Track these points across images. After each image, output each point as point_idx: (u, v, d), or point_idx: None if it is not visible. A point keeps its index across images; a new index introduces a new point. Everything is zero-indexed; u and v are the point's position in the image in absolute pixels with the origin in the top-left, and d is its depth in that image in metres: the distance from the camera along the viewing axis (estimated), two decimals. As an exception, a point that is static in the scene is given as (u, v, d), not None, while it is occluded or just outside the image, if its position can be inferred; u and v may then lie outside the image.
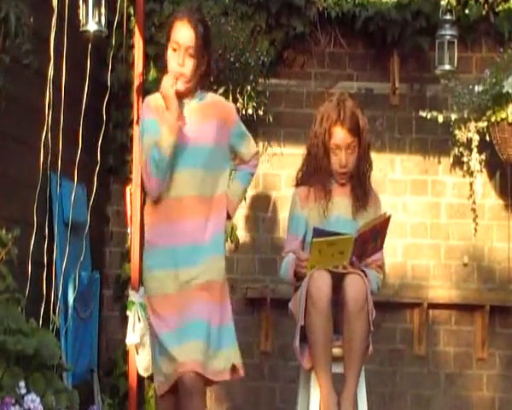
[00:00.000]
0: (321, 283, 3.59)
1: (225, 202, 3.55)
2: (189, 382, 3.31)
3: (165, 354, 3.39)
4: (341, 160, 3.83)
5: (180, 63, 3.44)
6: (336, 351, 3.68)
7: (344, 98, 3.85)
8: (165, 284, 3.42)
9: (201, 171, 3.46)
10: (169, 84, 3.39)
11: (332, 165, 3.86)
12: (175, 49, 3.46)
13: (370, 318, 3.61)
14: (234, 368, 3.43)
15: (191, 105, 3.51)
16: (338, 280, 3.63)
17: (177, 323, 3.38)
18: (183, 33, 3.46)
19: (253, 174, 3.74)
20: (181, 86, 3.46)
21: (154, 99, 3.52)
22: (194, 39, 3.46)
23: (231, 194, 3.60)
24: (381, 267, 3.94)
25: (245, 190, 3.77)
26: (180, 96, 3.46)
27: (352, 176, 3.90)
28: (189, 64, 3.46)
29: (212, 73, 3.76)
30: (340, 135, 3.81)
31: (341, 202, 3.88)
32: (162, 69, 3.63)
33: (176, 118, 3.38)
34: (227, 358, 3.42)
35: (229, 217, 3.63)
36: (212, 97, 3.63)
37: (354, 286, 3.60)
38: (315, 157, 3.87)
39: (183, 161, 3.43)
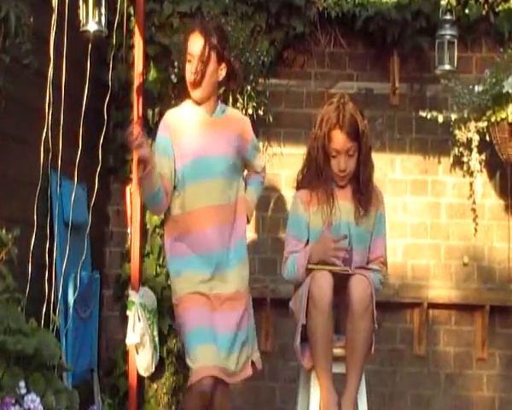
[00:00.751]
0: (322, 282, 3.59)
1: (245, 206, 3.78)
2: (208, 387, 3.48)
3: (205, 346, 3.51)
4: (340, 164, 3.81)
5: (193, 71, 3.55)
6: (337, 351, 3.68)
7: (344, 101, 3.83)
8: (198, 286, 3.59)
9: (223, 180, 3.65)
10: (131, 139, 3.46)
11: (332, 168, 3.85)
12: (190, 61, 3.63)
13: (374, 317, 3.61)
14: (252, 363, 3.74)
15: (214, 118, 3.68)
16: (340, 281, 3.63)
17: (209, 321, 3.56)
18: (195, 43, 3.65)
19: (263, 183, 4.02)
20: (196, 95, 3.63)
21: (170, 116, 3.71)
22: (205, 48, 3.58)
23: (248, 199, 3.83)
24: (383, 263, 3.93)
25: (258, 197, 3.99)
26: (202, 105, 3.68)
27: (353, 179, 3.88)
28: (203, 72, 3.61)
29: (239, 75, 3.89)
30: (338, 139, 3.79)
31: (343, 206, 3.87)
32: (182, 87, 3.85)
33: (140, 175, 3.53)
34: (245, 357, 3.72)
35: (247, 221, 3.84)
36: (231, 112, 3.86)
37: (359, 287, 3.60)
38: (315, 160, 3.86)
39: (208, 172, 3.62)
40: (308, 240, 3.87)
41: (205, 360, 3.47)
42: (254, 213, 5.24)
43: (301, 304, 3.66)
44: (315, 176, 3.87)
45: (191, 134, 3.65)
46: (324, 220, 3.83)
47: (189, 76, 3.64)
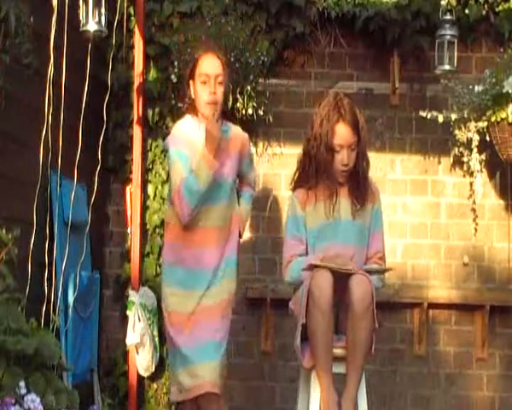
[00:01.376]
0: (322, 282, 3.59)
1: (238, 223, 3.90)
2: (208, 403, 3.64)
3: (186, 368, 3.61)
4: (344, 158, 3.82)
5: (212, 91, 3.61)
6: (338, 351, 3.68)
7: (340, 97, 3.86)
8: (184, 302, 3.71)
9: (225, 204, 3.78)
10: (215, 128, 3.65)
11: (334, 165, 3.85)
12: (204, 82, 3.70)
13: (375, 316, 3.61)
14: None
15: (224, 140, 3.77)
16: (340, 280, 3.63)
17: (195, 340, 3.67)
18: (212, 64, 3.74)
19: (253, 195, 4.19)
20: (217, 116, 3.72)
21: (183, 129, 3.76)
22: (221, 67, 3.74)
23: (243, 214, 3.98)
24: (381, 259, 3.92)
25: (250, 210, 4.15)
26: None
27: (350, 176, 3.89)
28: (220, 91, 3.75)
29: (227, 100, 4.03)
30: (343, 133, 3.80)
31: (342, 202, 3.88)
32: (187, 107, 3.90)
33: (213, 157, 3.63)
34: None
35: (239, 236, 3.97)
36: (233, 131, 3.93)
37: (360, 287, 3.59)
38: (315, 158, 3.86)
39: (211, 196, 3.71)
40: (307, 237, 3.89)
41: (197, 378, 3.58)
42: (254, 213, 5.28)
43: (301, 303, 3.66)
44: (313, 175, 3.87)
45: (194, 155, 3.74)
46: (324, 217, 3.84)
47: (208, 96, 3.73)
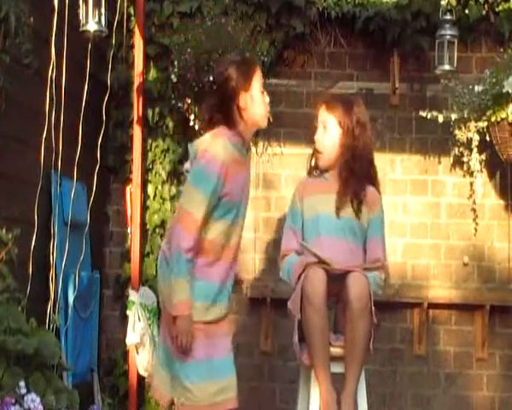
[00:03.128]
0: (315, 281, 3.60)
1: None
2: None
3: (215, 381, 3.53)
4: (316, 135, 3.87)
5: (267, 102, 3.64)
6: (337, 351, 3.68)
7: (349, 95, 3.93)
8: (219, 314, 3.56)
9: (242, 222, 3.65)
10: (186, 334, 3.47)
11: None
12: (263, 92, 3.63)
13: (373, 313, 3.62)
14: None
15: (246, 158, 3.64)
16: (337, 280, 3.64)
17: (222, 351, 3.58)
18: (260, 76, 3.65)
19: None
20: (264, 126, 3.70)
21: (226, 153, 3.49)
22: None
23: None
24: (381, 267, 3.93)
25: None
26: (246, 141, 3.63)
27: (347, 172, 3.87)
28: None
29: None
30: (320, 111, 3.86)
31: (334, 197, 3.88)
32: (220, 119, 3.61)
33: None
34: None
35: None
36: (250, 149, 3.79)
37: (357, 285, 3.61)
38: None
39: (242, 213, 3.61)
40: (303, 229, 3.92)
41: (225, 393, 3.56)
42: (254, 213, 5.30)
43: (296, 301, 3.67)
44: (313, 166, 3.94)
45: (235, 175, 3.54)
46: (311, 210, 3.86)
47: (268, 107, 3.66)
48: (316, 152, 3.91)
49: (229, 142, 3.50)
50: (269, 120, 3.64)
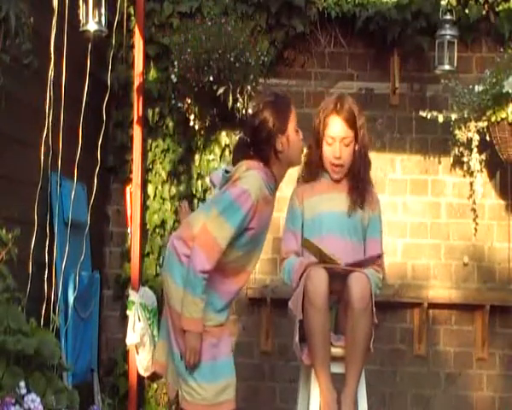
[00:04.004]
0: (317, 281, 3.60)
1: None
2: None
3: (221, 381, 3.51)
4: (335, 151, 3.85)
5: (301, 138, 3.61)
6: (337, 351, 3.68)
7: (343, 95, 3.91)
8: (220, 322, 3.55)
9: (260, 250, 3.64)
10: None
11: (325, 157, 3.89)
12: (297, 131, 3.57)
13: (374, 313, 3.62)
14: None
15: (273, 197, 3.58)
16: (338, 279, 3.64)
17: (229, 351, 3.58)
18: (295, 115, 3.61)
19: None
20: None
21: (259, 191, 3.42)
22: None
23: None
24: (379, 266, 3.94)
25: None
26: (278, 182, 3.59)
27: (349, 175, 3.91)
28: None
29: None
30: (335, 125, 3.84)
31: (337, 198, 3.89)
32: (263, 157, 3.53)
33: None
34: None
35: None
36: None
37: (359, 285, 3.60)
38: (309, 150, 3.93)
39: (260, 244, 3.58)
40: (303, 229, 3.92)
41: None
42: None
43: (298, 301, 3.67)
44: (313, 168, 3.92)
45: (264, 211, 3.50)
46: (312, 210, 3.87)
47: (301, 144, 3.60)
48: (335, 166, 3.90)
49: (263, 180, 3.44)
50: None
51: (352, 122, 3.83)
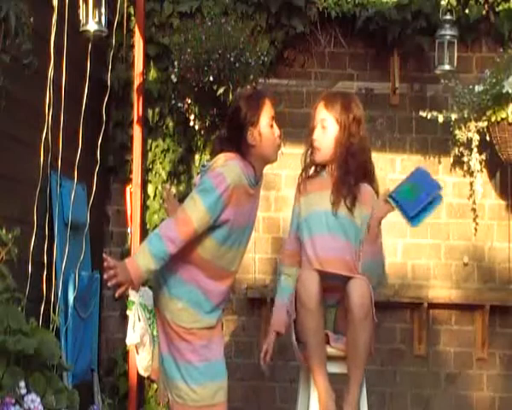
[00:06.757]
0: (309, 284, 3.57)
1: None
2: None
3: (215, 383, 3.51)
4: (313, 133, 3.81)
5: (279, 135, 3.57)
6: (333, 351, 3.67)
7: (342, 90, 3.89)
8: (210, 324, 3.57)
9: (244, 249, 3.62)
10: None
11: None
12: (272, 125, 3.53)
13: (374, 315, 3.60)
14: None
15: (254, 189, 3.56)
16: (338, 281, 3.63)
17: (220, 355, 3.58)
18: (270, 109, 3.55)
19: None
20: (275, 161, 3.62)
21: (237, 179, 3.42)
22: None
23: None
24: (378, 253, 3.86)
25: None
26: (257, 172, 3.54)
27: (335, 165, 3.83)
28: None
29: None
30: (317, 109, 3.81)
31: (326, 196, 3.83)
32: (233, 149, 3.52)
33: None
34: None
35: None
36: (262, 178, 3.69)
37: (359, 292, 3.57)
38: (306, 147, 3.92)
39: (243, 242, 3.57)
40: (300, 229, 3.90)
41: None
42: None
43: (291, 300, 3.67)
44: (308, 165, 3.91)
45: (242, 203, 3.50)
46: (306, 208, 3.86)
47: (278, 140, 3.57)
48: (312, 149, 3.87)
49: (241, 171, 3.43)
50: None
51: (333, 106, 3.78)
